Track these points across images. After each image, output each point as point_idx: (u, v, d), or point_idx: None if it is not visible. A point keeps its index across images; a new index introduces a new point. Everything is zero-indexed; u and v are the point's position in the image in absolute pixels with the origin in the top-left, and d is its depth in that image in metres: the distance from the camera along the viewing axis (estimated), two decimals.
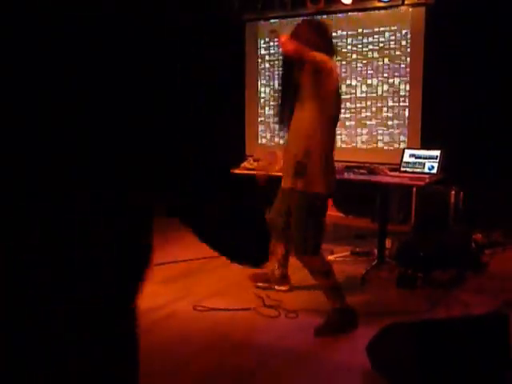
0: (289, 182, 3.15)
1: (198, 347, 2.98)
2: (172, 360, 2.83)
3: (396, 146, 6.17)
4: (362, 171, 4.43)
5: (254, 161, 5.40)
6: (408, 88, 6.11)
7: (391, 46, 6.19)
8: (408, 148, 4.76)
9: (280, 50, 3.32)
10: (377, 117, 6.35)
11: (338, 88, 3.22)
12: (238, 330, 3.20)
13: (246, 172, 4.57)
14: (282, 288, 3.85)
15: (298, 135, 3.16)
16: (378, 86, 6.32)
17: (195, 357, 2.87)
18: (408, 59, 6.08)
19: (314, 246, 3.14)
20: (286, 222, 3.40)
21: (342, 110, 6.46)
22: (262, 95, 7.04)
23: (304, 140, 3.10)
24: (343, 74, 6.49)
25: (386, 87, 6.26)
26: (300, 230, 3.14)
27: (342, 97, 6.27)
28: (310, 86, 3.08)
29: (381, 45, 6.25)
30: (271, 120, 6.72)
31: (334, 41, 6.37)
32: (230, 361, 2.83)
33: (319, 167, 3.08)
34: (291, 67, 3.21)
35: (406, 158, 4.47)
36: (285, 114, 3.31)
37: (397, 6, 6.05)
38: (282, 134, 3.97)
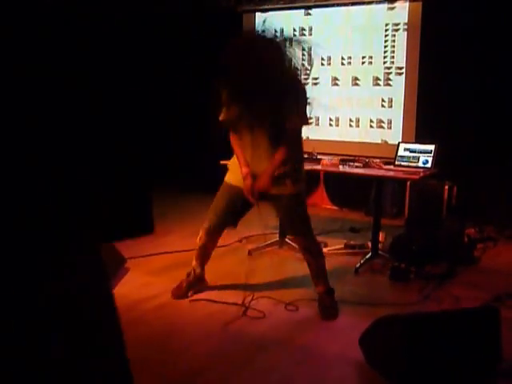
0: (287, 189, 3.33)
1: (193, 337, 3.00)
2: (166, 350, 2.84)
3: (391, 139, 6.18)
4: (356, 165, 4.45)
5: None
6: (403, 82, 6.12)
7: (387, 40, 6.19)
8: (403, 142, 4.78)
9: None
10: (372, 111, 6.36)
11: None
12: (232, 321, 3.22)
13: None
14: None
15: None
16: (372, 80, 6.32)
17: (189, 347, 2.88)
18: (404, 54, 6.09)
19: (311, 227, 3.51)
20: (235, 220, 3.57)
21: (338, 104, 6.48)
22: None
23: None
24: (339, 68, 6.49)
25: (381, 81, 6.27)
26: (304, 217, 3.46)
27: (339, 90, 6.33)
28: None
29: (376, 39, 6.25)
30: None
31: (329, 34, 6.45)
32: (225, 351, 2.85)
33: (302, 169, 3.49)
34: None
35: (401, 152, 4.49)
36: None
37: (394, 0, 6.05)
38: None
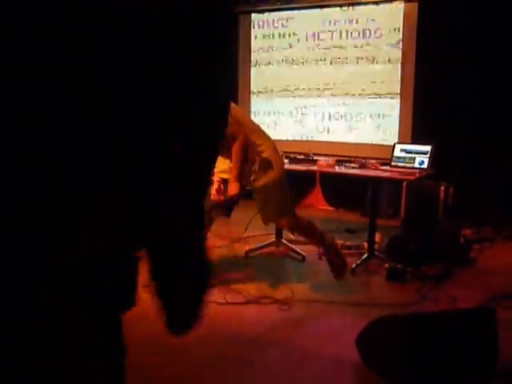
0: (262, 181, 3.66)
1: (190, 338, 2.98)
2: (163, 351, 2.83)
3: (387, 140, 6.19)
4: (352, 165, 4.45)
5: None
6: (400, 83, 6.13)
7: (383, 41, 6.20)
8: (399, 143, 4.78)
9: None
10: (368, 111, 6.36)
11: None
12: (229, 322, 3.21)
13: None
14: None
15: None
16: (369, 80, 6.33)
17: (187, 348, 2.87)
18: (400, 54, 6.10)
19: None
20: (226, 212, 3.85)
21: (334, 104, 6.49)
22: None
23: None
24: (335, 70, 6.50)
25: (377, 82, 6.28)
26: (288, 199, 3.77)
27: (335, 91, 6.34)
28: None
29: (373, 40, 6.26)
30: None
31: (328, 34, 6.45)
32: (222, 352, 2.84)
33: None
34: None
35: (397, 153, 4.49)
36: None
37: (390, 1, 6.06)
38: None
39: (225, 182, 3.71)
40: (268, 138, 3.82)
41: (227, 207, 3.77)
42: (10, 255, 0.87)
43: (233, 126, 3.49)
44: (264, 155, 3.66)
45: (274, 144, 3.79)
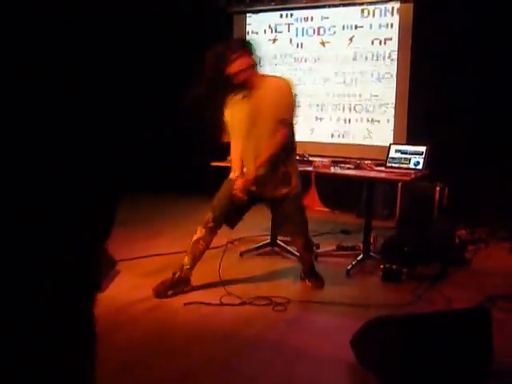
0: (280, 191, 3.59)
1: (184, 340, 2.98)
2: (157, 352, 2.82)
3: (382, 141, 6.19)
4: (348, 166, 4.44)
5: None
6: (395, 83, 6.13)
7: (379, 41, 6.21)
8: (394, 144, 4.79)
9: None
10: (363, 112, 6.37)
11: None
12: (223, 323, 3.20)
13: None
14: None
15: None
16: (364, 81, 6.33)
17: (180, 349, 2.86)
18: (396, 55, 6.10)
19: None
20: (232, 221, 3.71)
21: (329, 105, 6.50)
22: None
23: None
24: (331, 70, 6.50)
25: (372, 83, 6.28)
26: (305, 215, 3.76)
27: (331, 92, 6.37)
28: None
29: (368, 40, 6.26)
30: None
31: (321, 35, 6.46)
32: (216, 352, 2.83)
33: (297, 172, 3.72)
34: None
35: (392, 154, 4.50)
36: None
37: (385, 1, 6.06)
38: None
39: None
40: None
41: (231, 219, 3.71)
42: (11, 255, 0.87)
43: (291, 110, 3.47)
44: (287, 169, 3.61)
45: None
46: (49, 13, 0.83)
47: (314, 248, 3.98)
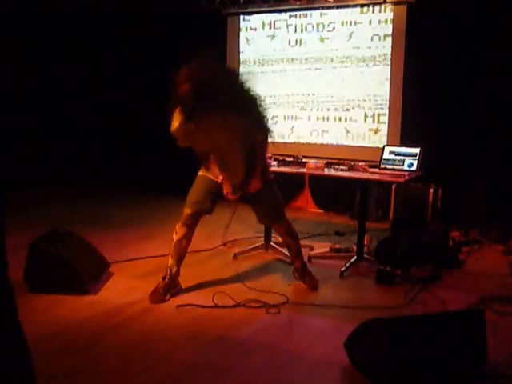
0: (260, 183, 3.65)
1: (176, 342, 2.96)
2: (149, 355, 2.80)
3: (376, 143, 6.19)
4: (341, 168, 4.44)
5: None
6: (389, 85, 6.13)
7: (373, 43, 6.21)
8: (388, 145, 4.78)
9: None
10: (357, 114, 6.37)
11: None
12: (216, 326, 3.18)
13: None
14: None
15: None
16: (358, 83, 6.33)
17: (173, 352, 2.84)
18: (389, 57, 6.11)
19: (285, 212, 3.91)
20: (210, 208, 3.70)
21: (323, 107, 6.49)
22: None
23: None
24: (326, 71, 6.50)
25: (367, 84, 6.28)
26: (280, 202, 3.84)
27: (326, 93, 6.37)
28: None
29: (362, 43, 6.26)
30: None
31: (318, 37, 6.46)
32: (208, 356, 2.81)
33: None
34: None
35: (386, 155, 4.49)
36: None
37: (378, 3, 6.07)
38: None
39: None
40: None
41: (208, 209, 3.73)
42: None
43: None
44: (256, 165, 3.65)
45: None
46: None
47: (298, 236, 3.98)
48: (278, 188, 3.82)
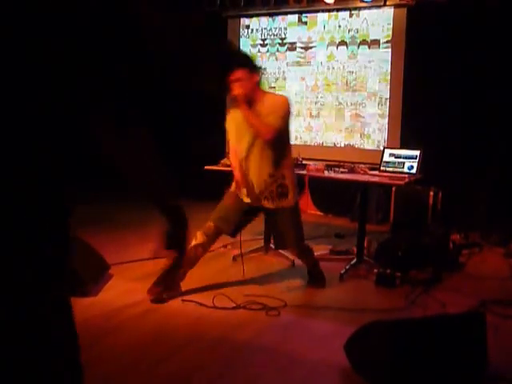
0: (273, 204, 3.60)
1: (176, 344, 2.95)
2: (150, 356, 2.79)
3: (376, 145, 6.20)
4: (342, 170, 4.44)
5: None
6: (389, 88, 6.14)
7: (373, 45, 6.22)
8: (388, 148, 4.78)
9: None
10: (357, 116, 6.37)
11: None
12: (216, 328, 3.18)
13: (224, 169, 4.56)
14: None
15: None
16: (358, 85, 6.34)
17: (174, 352, 2.84)
18: (389, 59, 6.11)
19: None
20: (233, 230, 3.71)
21: (324, 109, 6.49)
22: None
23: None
24: (326, 73, 6.51)
25: (366, 87, 6.29)
26: (301, 227, 3.73)
27: (325, 95, 6.39)
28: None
29: (362, 44, 6.27)
30: None
31: (317, 38, 6.46)
32: (208, 358, 2.81)
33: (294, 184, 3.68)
34: None
35: (386, 158, 4.49)
36: None
37: (379, 6, 6.08)
38: None
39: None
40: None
41: (232, 230, 3.72)
42: None
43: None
44: (284, 181, 3.60)
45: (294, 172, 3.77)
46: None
47: (311, 250, 3.93)
48: (299, 214, 3.71)
